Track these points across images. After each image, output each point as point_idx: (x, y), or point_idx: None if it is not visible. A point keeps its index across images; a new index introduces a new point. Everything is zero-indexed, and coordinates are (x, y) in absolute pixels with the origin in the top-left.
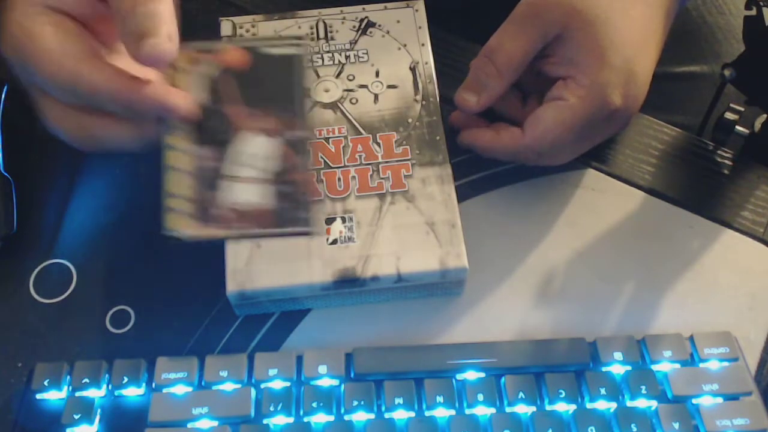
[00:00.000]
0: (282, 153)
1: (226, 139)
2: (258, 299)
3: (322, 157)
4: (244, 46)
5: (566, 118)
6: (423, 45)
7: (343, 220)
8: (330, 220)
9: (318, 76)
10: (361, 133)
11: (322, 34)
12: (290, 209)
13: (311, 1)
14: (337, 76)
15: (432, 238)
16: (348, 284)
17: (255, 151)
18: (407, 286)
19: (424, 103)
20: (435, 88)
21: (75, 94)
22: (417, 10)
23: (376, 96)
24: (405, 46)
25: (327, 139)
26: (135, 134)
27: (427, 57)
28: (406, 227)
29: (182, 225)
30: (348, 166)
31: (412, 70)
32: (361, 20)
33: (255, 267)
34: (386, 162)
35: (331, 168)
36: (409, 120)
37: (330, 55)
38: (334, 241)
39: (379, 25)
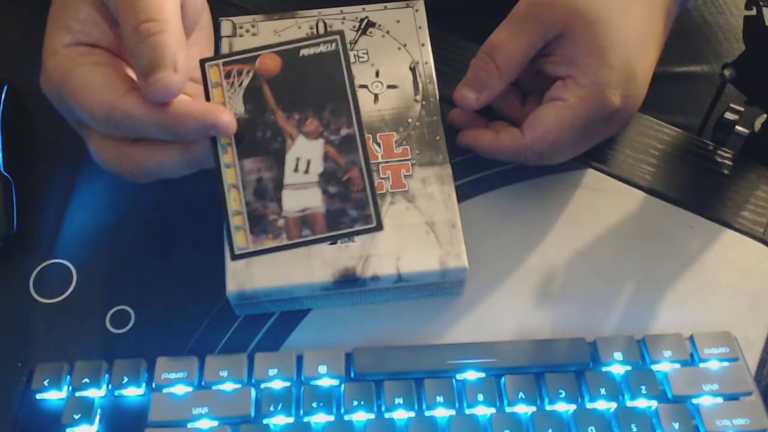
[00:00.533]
0: (334, 153)
1: (277, 147)
2: (258, 299)
3: None
4: (279, 50)
5: (566, 118)
6: (423, 45)
7: None
8: None
9: None
10: None
11: None
12: (350, 209)
13: (311, 1)
14: None
15: (432, 238)
16: (348, 284)
17: (307, 155)
18: (407, 286)
19: (424, 103)
20: (435, 88)
21: (118, 126)
22: (417, 10)
23: (376, 96)
24: (405, 46)
25: None
26: (184, 158)
27: (427, 57)
28: (406, 227)
29: (246, 241)
30: None
31: (412, 70)
32: (361, 20)
33: (255, 267)
34: (386, 162)
35: None
36: (409, 120)
37: None
38: (335, 241)
39: (379, 25)
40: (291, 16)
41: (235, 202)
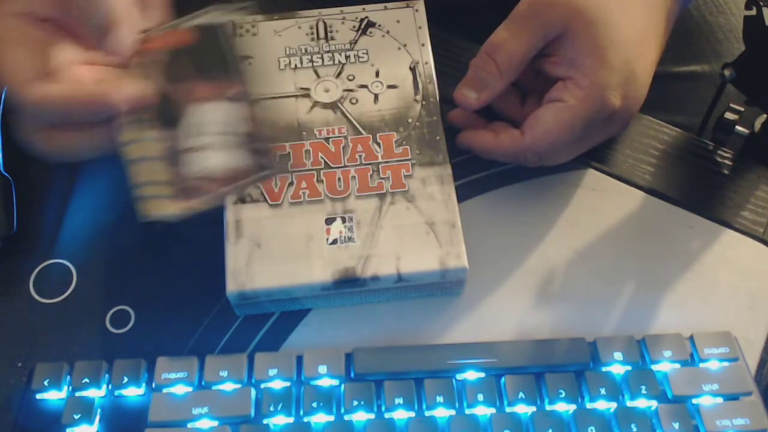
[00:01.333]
0: (232, 113)
1: (179, 116)
2: (258, 299)
3: (322, 157)
4: (182, 26)
5: (566, 119)
6: (423, 45)
7: (343, 220)
8: (330, 220)
9: (318, 76)
10: (361, 133)
11: (322, 34)
12: (251, 159)
13: (311, 1)
14: (337, 76)
15: (432, 238)
16: (348, 284)
17: (206, 118)
18: (407, 286)
19: (424, 103)
20: (435, 88)
21: (34, 114)
22: (417, 10)
23: (376, 96)
24: (405, 46)
25: (327, 139)
26: (99, 138)
27: (427, 57)
28: (406, 227)
29: (161, 207)
30: (348, 166)
31: (412, 70)
32: (361, 20)
33: (255, 267)
34: (386, 162)
35: (331, 168)
36: (409, 120)
37: (330, 55)
38: (334, 241)
39: (379, 25)
40: (291, 16)
41: (145, 174)
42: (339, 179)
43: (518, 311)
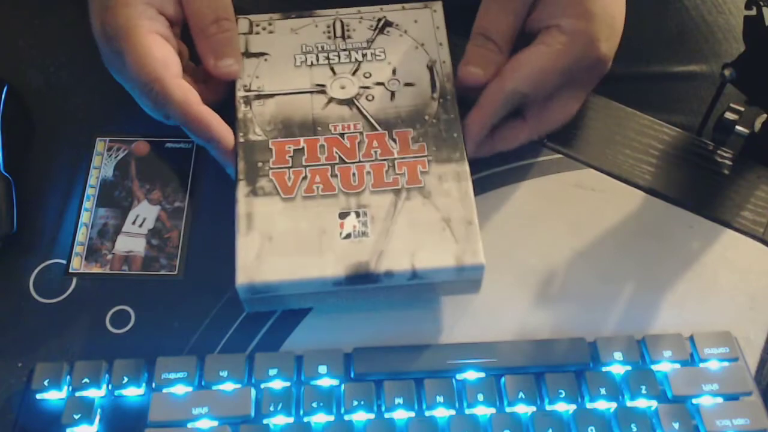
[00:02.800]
0: (164, 217)
1: (126, 205)
2: (268, 293)
3: (336, 153)
4: (150, 140)
5: (549, 61)
6: (441, 44)
7: (357, 214)
8: (344, 215)
9: (334, 73)
10: (377, 129)
11: (339, 32)
12: (162, 258)
13: (312, 2)
14: (354, 73)
15: (448, 235)
16: (361, 279)
17: (145, 214)
18: (421, 285)
19: (441, 101)
20: (453, 86)
21: (149, 96)
22: (435, 11)
23: (392, 93)
24: (423, 45)
25: (342, 135)
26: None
27: (444, 56)
28: (421, 223)
29: (80, 264)
30: (363, 161)
31: (430, 68)
32: (379, 20)
33: (266, 260)
34: (402, 158)
35: (346, 163)
36: (426, 117)
37: (347, 53)
38: (348, 236)
39: (397, 25)
40: (308, 15)
41: (82, 236)
42: (354, 174)
43: (518, 311)
